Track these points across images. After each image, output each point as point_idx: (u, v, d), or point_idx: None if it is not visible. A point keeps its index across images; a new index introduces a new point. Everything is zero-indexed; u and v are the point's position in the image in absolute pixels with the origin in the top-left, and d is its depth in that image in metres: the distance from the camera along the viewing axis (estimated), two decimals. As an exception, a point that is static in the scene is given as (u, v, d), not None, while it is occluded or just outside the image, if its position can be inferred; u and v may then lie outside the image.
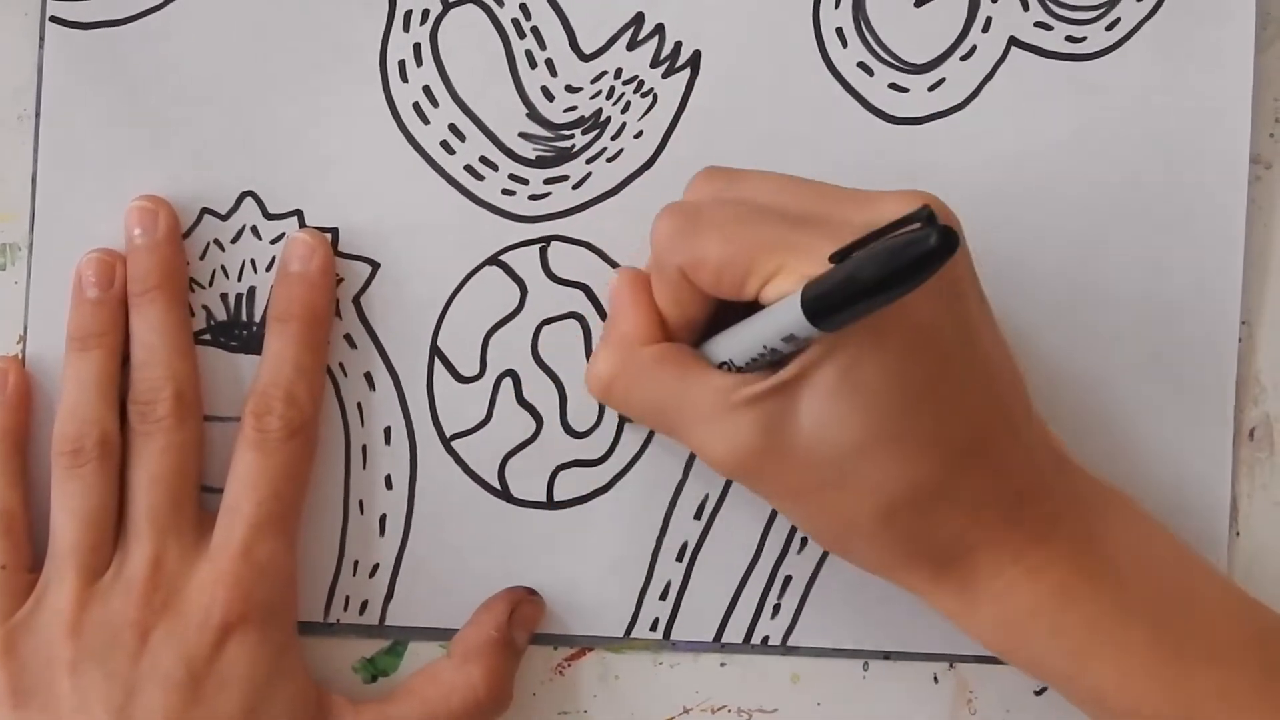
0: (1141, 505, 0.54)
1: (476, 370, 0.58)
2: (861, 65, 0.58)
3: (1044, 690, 0.58)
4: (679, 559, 0.58)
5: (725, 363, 0.51)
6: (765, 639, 0.58)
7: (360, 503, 0.58)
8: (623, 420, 0.58)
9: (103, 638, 0.53)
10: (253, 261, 0.58)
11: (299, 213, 0.58)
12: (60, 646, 0.53)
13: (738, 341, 0.50)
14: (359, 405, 0.58)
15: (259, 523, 0.55)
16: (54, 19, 0.57)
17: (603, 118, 0.58)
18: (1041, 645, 0.51)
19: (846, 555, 0.53)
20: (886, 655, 0.58)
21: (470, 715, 0.56)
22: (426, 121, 0.58)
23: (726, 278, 0.50)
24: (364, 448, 0.58)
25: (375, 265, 0.58)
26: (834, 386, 0.48)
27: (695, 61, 0.58)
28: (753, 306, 0.50)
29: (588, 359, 0.58)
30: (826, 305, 0.45)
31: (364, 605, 0.58)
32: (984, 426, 0.50)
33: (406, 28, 0.58)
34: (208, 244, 0.58)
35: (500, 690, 0.56)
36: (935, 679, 0.59)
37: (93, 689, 0.53)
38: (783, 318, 0.47)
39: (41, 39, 0.57)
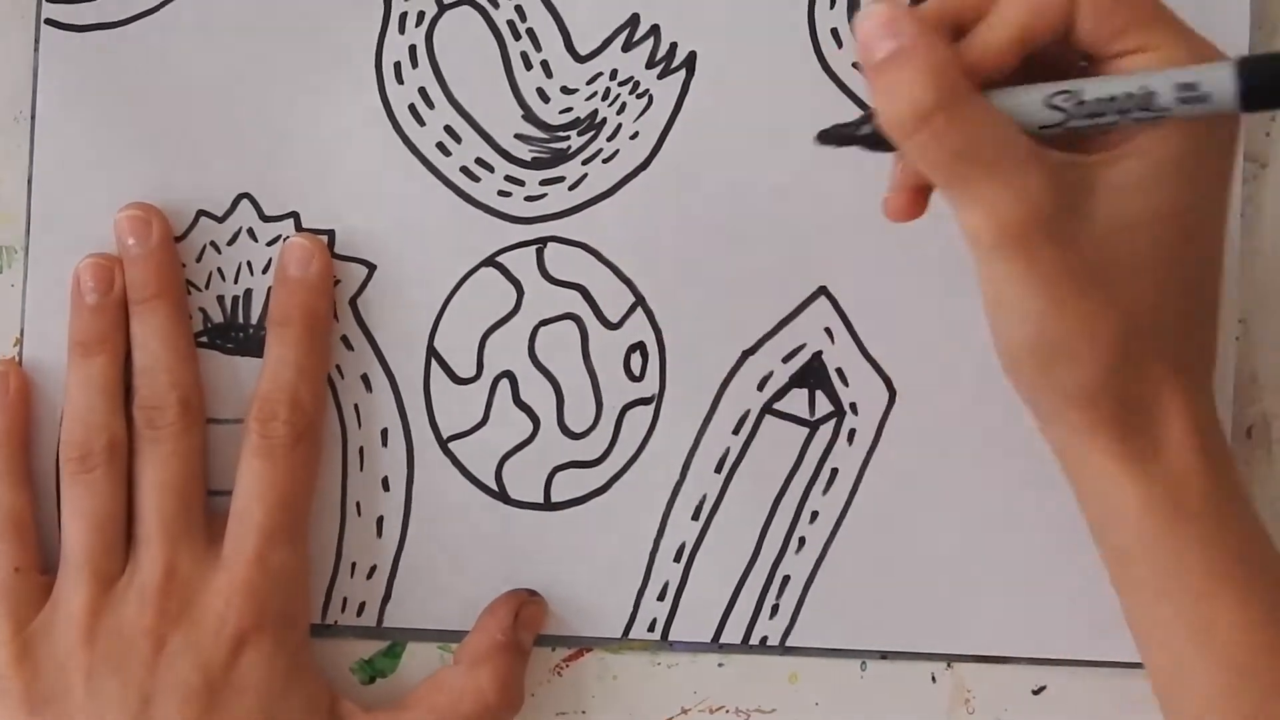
0: None
1: (473, 372, 0.58)
2: (857, 65, 0.58)
3: (1042, 690, 0.58)
4: (677, 559, 0.58)
5: (1060, 93, 0.48)
6: (764, 639, 0.58)
7: (358, 504, 0.58)
8: (621, 417, 0.58)
9: (118, 646, 0.54)
10: (249, 264, 0.58)
11: (295, 215, 0.58)
12: (76, 654, 0.54)
13: (1099, 82, 0.48)
14: (356, 407, 0.58)
15: (271, 531, 0.55)
16: (49, 21, 0.57)
17: (598, 119, 0.58)
18: (1168, 552, 0.50)
19: (1044, 372, 0.50)
20: (884, 655, 0.58)
21: None
22: (422, 123, 0.58)
23: (1116, 19, 0.48)
24: (361, 450, 0.58)
25: (372, 267, 0.58)
26: (1149, 180, 0.48)
27: (690, 63, 0.58)
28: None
29: (584, 359, 0.58)
30: (1268, 81, 0.46)
31: (361, 607, 0.58)
32: (1216, 307, 0.51)
33: (402, 29, 0.58)
34: (204, 246, 0.58)
35: (510, 693, 0.56)
36: (933, 678, 0.59)
37: (108, 697, 0.53)
38: (1191, 76, 0.47)
39: (37, 42, 0.57)
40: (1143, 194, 0.48)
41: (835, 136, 0.52)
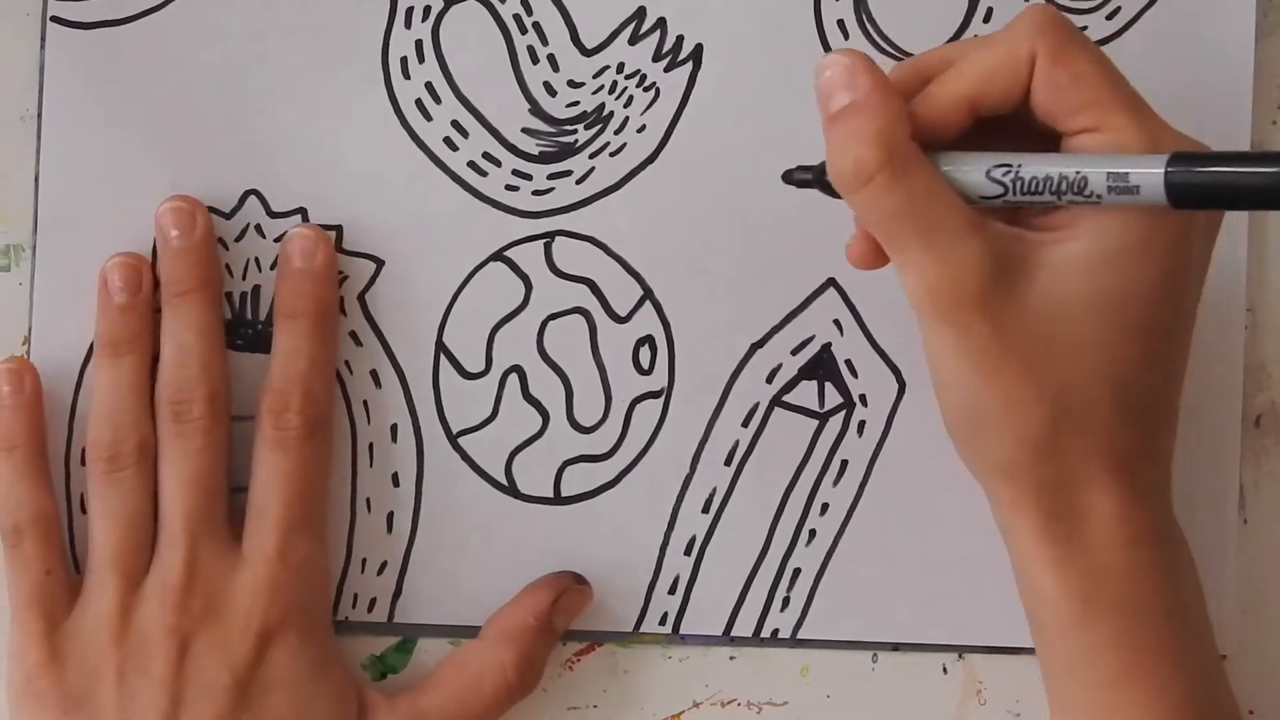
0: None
1: (482, 366, 0.58)
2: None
3: (1053, 680, 0.58)
4: (687, 552, 0.58)
5: (999, 166, 0.48)
6: (775, 632, 0.58)
7: (368, 500, 0.58)
8: (630, 411, 0.58)
9: (145, 645, 0.54)
10: (257, 260, 0.58)
11: (303, 211, 0.58)
12: (106, 655, 0.54)
13: (1039, 159, 0.48)
14: (365, 403, 0.58)
15: (291, 525, 0.55)
16: (55, 19, 0.57)
17: (605, 112, 0.58)
18: (1080, 638, 0.50)
19: (973, 440, 0.51)
20: (896, 647, 0.58)
21: (500, 700, 0.56)
22: (429, 118, 0.58)
23: (1071, 96, 0.48)
24: (370, 445, 0.58)
25: (380, 263, 0.58)
26: (1086, 266, 0.48)
27: (697, 55, 0.58)
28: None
29: (593, 353, 0.58)
30: (1196, 180, 0.46)
31: (372, 603, 0.58)
32: (1171, 402, 0.51)
33: (408, 24, 0.58)
34: (212, 243, 0.58)
35: (531, 676, 0.56)
36: (945, 670, 0.59)
37: (139, 697, 0.53)
38: (1123, 166, 0.47)
39: (43, 39, 0.57)
40: (1080, 279, 0.48)
41: (797, 179, 0.53)
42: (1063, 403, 0.49)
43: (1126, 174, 0.47)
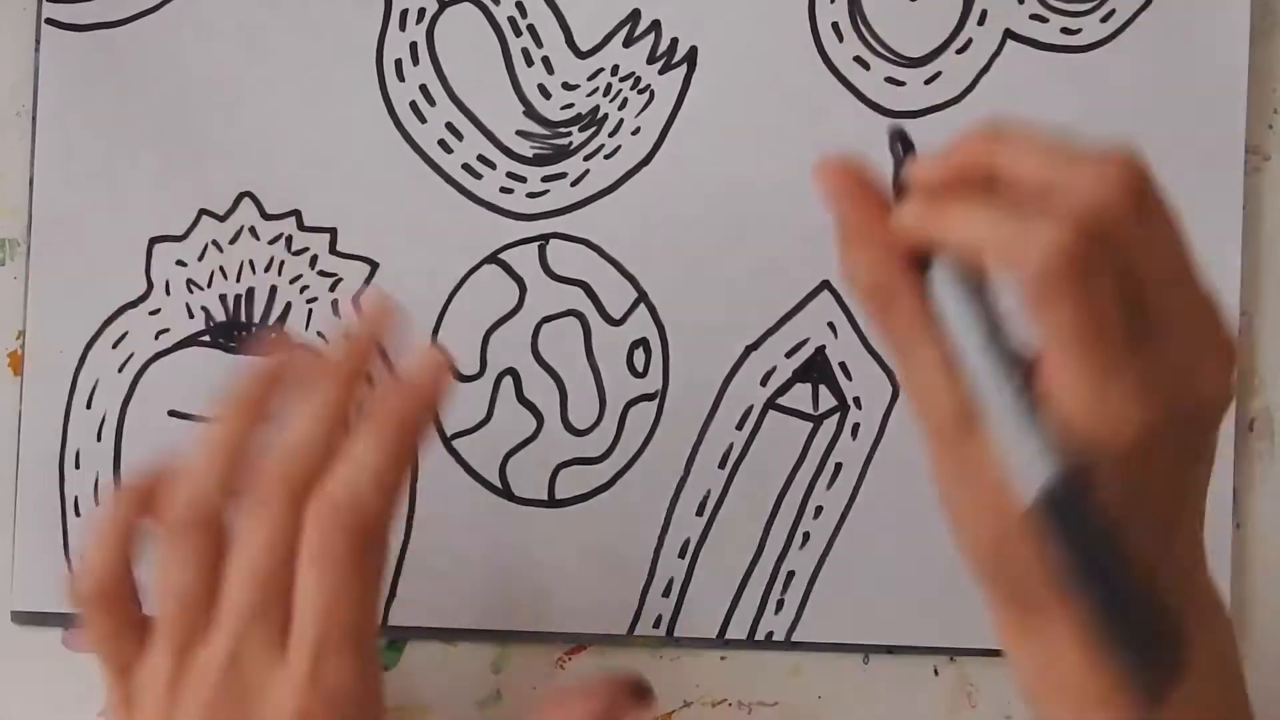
0: None
1: (476, 369, 0.58)
2: (858, 59, 0.58)
3: (1045, 682, 0.58)
4: (681, 555, 0.58)
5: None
6: (769, 634, 0.58)
7: (361, 502, 0.58)
8: (625, 414, 0.58)
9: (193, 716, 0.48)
10: (251, 262, 0.57)
11: (297, 213, 0.58)
12: (161, 712, 0.48)
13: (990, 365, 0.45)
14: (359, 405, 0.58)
15: (329, 649, 0.47)
16: (50, 21, 0.57)
17: (600, 115, 0.58)
18: None
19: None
20: (889, 649, 0.58)
21: None
22: (424, 120, 0.58)
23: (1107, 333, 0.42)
24: (364, 447, 0.58)
25: (374, 264, 0.58)
26: None
27: (692, 58, 0.58)
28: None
29: (587, 356, 0.58)
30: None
31: (366, 605, 0.58)
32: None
33: (403, 26, 0.58)
34: (205, 245, 0.57)
35: None
36: (936, 671, 0.59)
37: None
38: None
39: (38, 42, 0.57)
40: None
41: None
42: None
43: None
